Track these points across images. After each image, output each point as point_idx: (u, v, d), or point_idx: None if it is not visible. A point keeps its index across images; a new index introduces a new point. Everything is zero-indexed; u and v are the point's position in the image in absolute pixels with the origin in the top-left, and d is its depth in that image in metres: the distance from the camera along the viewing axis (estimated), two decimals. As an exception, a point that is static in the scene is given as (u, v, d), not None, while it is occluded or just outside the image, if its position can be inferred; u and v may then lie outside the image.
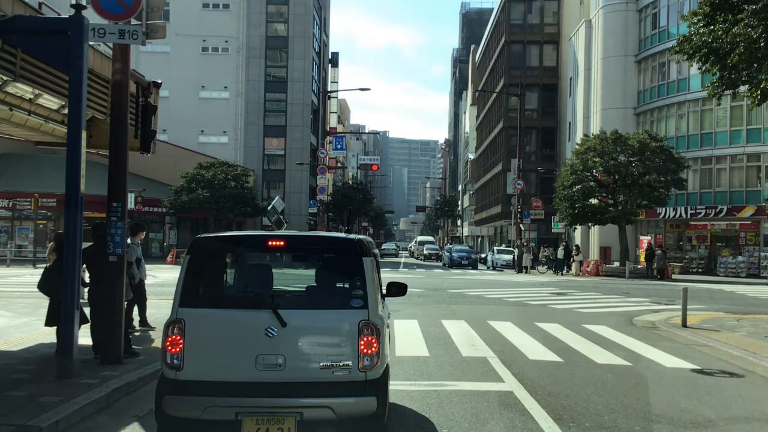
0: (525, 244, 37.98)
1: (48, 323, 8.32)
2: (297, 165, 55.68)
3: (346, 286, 5.35)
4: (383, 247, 71.34)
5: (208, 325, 4.86)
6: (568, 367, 8.78)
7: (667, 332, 12.31)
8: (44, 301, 8.63)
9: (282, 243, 5.35)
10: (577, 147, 35.02)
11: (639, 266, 33.74)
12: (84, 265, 8.00)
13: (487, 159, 65.04)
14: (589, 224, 36.49)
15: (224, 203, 41.89)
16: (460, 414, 6.31)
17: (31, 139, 11.68)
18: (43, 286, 8.36)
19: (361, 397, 4.72)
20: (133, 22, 7.68)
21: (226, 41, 56.94)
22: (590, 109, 43.83)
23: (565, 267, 35.23)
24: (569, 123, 48.70)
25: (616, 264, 35.17)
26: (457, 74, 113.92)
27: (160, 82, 10.23)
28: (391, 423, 5.51)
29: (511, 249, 41.69)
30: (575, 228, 39.79)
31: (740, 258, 33.48)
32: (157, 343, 8.97)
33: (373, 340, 4.79)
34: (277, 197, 35.47)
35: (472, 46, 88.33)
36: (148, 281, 11.87)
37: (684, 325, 12.60)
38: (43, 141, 11.38)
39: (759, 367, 8.93)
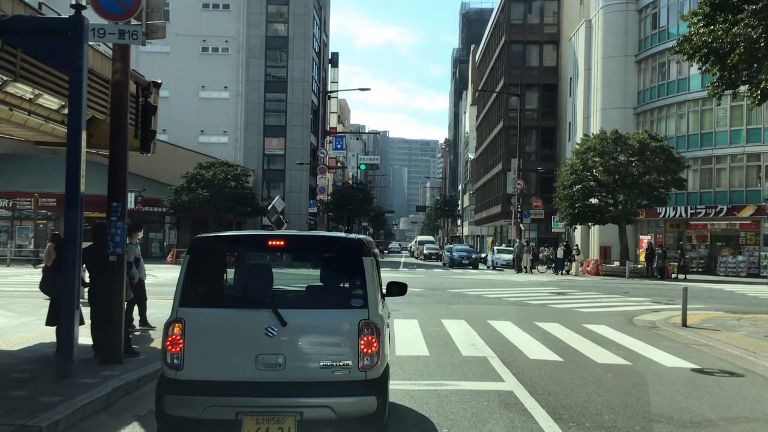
0: (526, 243, 37.95)
1: (49, 323, 8.35)
2: (297, 165, 55.66)
3: (346, 285, 5.34)
4: (390, 246, 71.68)
5: (208, 325, 4.86)
6: (568, 366, 8.78)
7: (667, 332, 12.32)
8: (44, 301, 8.66)
9: (282, 243, 5.36)
10: (577, 147, 35.01)
11: (639, 266, 33.74)
12: (84, 265, 8.01)
13: (487, 159, 65.03)
14: (589, 224, 36.48)
15: (224, 203, 41.88)
16: (460, 413, 6.31)
17: (31, 139, 11.68)
18: (44, 286, 8.39)
19: (361, 396, 4.72)
20: (133, 22, 7.69)
21: (226, 41, 56.92)
22: (590, 109, 43.82)
23: (565, 267, 35.22)
24: (569, 123, 48.69)
25: (616, 264, 35.15)
26: (457, 74, 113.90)
27: (160, 82, 10.23)
28: (391, 423, 5.50)
29: (511, 249, 41.65)
30: (575, 228, 39.77)
31: (740, 257, 33.52)
32: (157, 342, 8.97)
33: (373, 340, 4.79)
34: (277, 197, 35.53)
35: (472, 46, 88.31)
36: (148, 281, 11.87)
37: (684, 324, 12.61)
38: (43, 141, 11.38)
39: (759, 366, 8.94)
